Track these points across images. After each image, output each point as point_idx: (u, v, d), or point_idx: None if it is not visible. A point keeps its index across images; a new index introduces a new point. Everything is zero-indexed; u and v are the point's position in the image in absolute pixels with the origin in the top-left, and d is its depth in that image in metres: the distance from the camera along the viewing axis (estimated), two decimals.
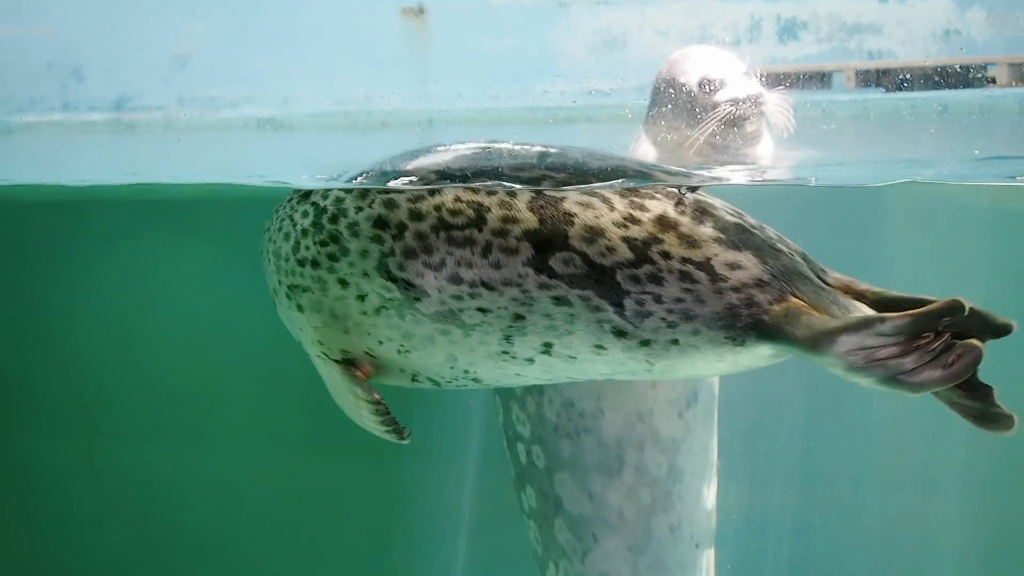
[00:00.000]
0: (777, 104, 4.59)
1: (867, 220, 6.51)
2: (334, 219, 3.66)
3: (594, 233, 3.28)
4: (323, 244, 3.68)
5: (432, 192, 3.55)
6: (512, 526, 5.59)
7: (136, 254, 7.54)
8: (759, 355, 3.37)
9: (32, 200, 5.43)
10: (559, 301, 3.32)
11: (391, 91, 5.55)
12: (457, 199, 3.48)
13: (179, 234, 7.46)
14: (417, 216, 3.49)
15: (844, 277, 3.58)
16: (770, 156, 4.66)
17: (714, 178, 4.56)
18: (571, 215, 3.31)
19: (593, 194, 3.41)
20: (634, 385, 4.89)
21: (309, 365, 4.13)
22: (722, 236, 3.30)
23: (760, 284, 3.25)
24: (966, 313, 3.08)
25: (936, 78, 5.06)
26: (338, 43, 5.77)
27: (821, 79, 5.37)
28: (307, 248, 3.74)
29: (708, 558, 5.29)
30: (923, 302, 3.26)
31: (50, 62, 6.20)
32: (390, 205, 3.56)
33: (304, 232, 3.75)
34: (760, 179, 4.77)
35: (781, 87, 4.73)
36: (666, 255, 3.26)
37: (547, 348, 3.45)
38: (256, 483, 7.47)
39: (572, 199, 3.37)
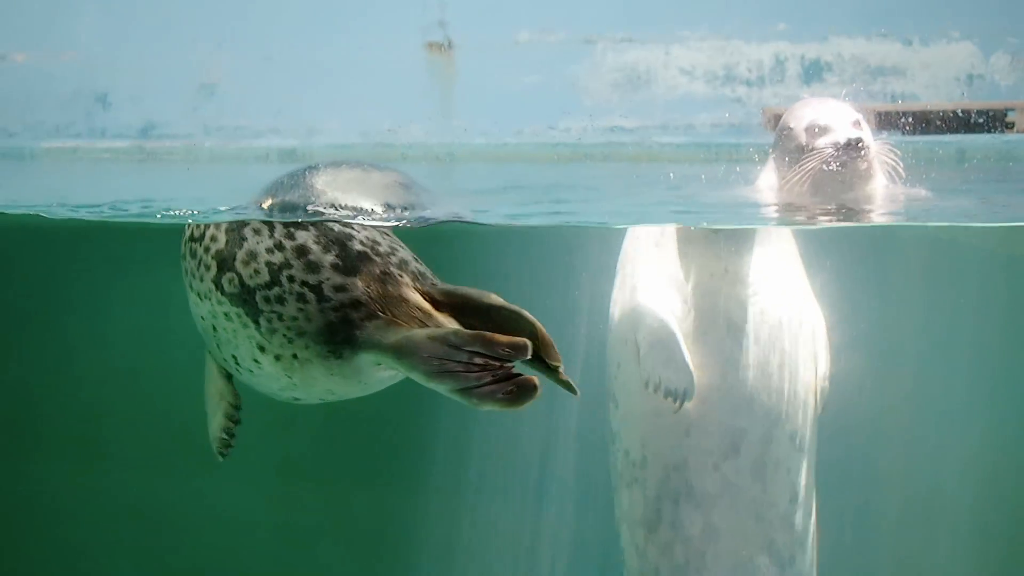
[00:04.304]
0: (880, 151, 4.71)
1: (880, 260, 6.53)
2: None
3: (251, 257, 3.65)
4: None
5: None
6: None
7: (154, 282, 7.56)
8: (359, 367, 3.73)
9: (51, 226, 5.46)
10: (227, 317, 3.71)
11: (415, 124, 5.61)
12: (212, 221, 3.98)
13: None
14: (193, 237, 3.89)
15: (458, 290, 3.85)
16: (882, 193, 4.77)
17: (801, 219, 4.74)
18: (243, 239, 3.69)
19: (267, 222, 3.80)
20: (670, 433, 4.86)
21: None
22: (340, 263, 3.65)
23: (356, 305, 3.64)
24: (527, 356, 3.40)
25: (955, 122, 5.12)
26: (364, 76, 5.83)
27: None
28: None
29: None
30: (502, 309, 3.66)
31: (76, 89, 6.25)
32: (197, 225, 4.04)
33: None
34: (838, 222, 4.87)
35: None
36: (291, 279, 3.64)
37: (235, 360, 3.81)
38: (264, 514, 7.47)
39: (252, 225, 3.79)
